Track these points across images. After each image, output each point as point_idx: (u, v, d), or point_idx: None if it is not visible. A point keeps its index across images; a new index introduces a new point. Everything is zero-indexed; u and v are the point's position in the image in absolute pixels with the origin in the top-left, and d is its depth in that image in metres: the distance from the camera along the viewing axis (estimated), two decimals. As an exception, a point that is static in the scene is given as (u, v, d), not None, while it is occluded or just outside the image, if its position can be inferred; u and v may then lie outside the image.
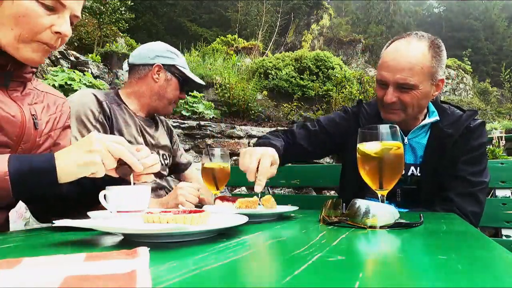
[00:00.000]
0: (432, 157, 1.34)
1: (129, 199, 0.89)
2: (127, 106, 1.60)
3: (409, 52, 1.23)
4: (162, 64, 1.62)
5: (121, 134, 1.51)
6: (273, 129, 4.57)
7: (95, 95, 1.47)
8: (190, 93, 5.41)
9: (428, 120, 1.37)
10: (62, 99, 1.20)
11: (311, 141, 1.50)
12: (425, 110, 1.41)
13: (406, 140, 1.39)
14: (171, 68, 1.63)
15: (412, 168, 1.38)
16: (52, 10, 0.91)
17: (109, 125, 1.47)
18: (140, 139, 1.58)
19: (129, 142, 1.54)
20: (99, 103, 1.46)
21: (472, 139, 1.33)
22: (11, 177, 0.77)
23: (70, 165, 0.82)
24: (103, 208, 0.94)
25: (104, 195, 0.89)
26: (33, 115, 1.02)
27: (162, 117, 1.85)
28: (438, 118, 1.37)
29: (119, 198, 0.88)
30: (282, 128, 4.61)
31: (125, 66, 1.66)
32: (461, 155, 1.32)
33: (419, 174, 1.37)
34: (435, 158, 1.34)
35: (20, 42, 0.90)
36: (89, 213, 0.90)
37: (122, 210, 0.88)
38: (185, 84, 1.67)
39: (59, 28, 0.92)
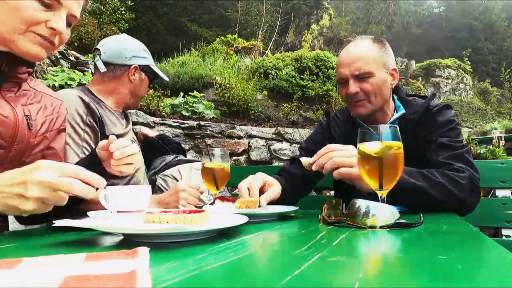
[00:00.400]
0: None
1: (129, 199, 0.89)
2: (105, 103, 1.59)
3: (357, 47, 1.39)
4: (138, 65, 1.62)
5: (109, 133, 1.50)
6: (273, 129, 4.58)
7: (80, 97, 1.44)
8: (190, 93, 5.41)
9: (396, 115, 1.42)
10: (59, 101, 1.19)
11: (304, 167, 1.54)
12: (393, 105, 1.46)
13: None
14: (145, 68, 1.64)
15: None
16: (49, 7, 0.92)
17: (99, 127, 1.46)
18: (124, 135, 1.60)
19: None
20: (86, 104, 1.44)
21: (438, 117, 1.35)
22: None
23: None
24: (101, 208, 0.94)
25: (104, 195, 0.89)
26: (26, 115, 1.01)
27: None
28: (404, 111, 1.42)
29: (119, 198, 0.88)
30: (282, 128, 4.58)
31: (100, 63, 1.64)
32: (431, 134, 1.33)
33: None
34: (404, 147, 1.35)
35: (16, 33, 0.90)
36: (88, 213, 0.90)
37: (122, 210, 0.88)
38: (152, 82, 1.72)
39: (54, 24, 0.92)
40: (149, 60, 1.67)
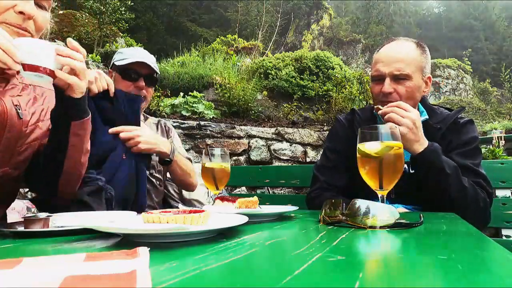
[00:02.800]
0: None
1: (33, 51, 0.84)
2: None
3: (401, 48, 1.38)
4: (110, 68, 1.70)
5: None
6: (273, 129, 4.58)
7: None
8: (190, 93, 5.41)
9: None
10: (50, 91, 1.20)
11: (339, 170, 1.51)
12: (416, 110, 1.44)
13: None
14: (113, 66, 1.68)
15: (405, 166, 1.39)
16: None
17: None
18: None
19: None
20: None
21: (463, 134, 1.37)
22: None
23: None
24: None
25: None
26: (15, 105, 1.03)
27: (162, 120, 1.91)
28: (427, 117, 1.42)
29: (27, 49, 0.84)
30: (282, 128, 4.56)
31: None
32: (455, 148, 1.35)
33: (412, 171, 1.38)
34: None
35: None
36: (52, 216, 0.81)
37: (27, 62, 0.83)
38: (127, 72, 1.64)
39: (22, 7, 0.91)
40: (114, 59, 1.70)
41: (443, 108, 1.50)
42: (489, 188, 1.32)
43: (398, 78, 1.33)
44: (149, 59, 1.68)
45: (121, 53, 1.69)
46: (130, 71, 1.63)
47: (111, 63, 1.71)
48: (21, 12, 0.91)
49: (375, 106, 1.38)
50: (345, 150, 1.50)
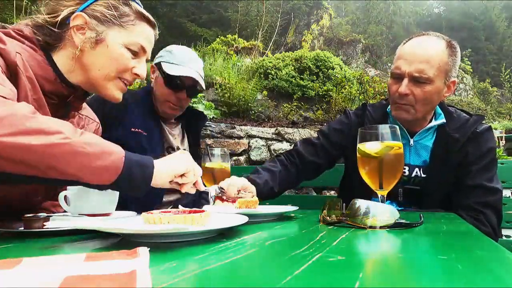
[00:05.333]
0: (438, 160, 1.34)
1: (93, 202, 0.82)
2: (152, 104, 1.62)
3: (428, 46, 1.26)
4: (155, 64, 1.59)
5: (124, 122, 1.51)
6: (273, 129, 4.57)
7: None
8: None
9: (434, 123, 1.37)
10: (96, 123, 1.25)
11: (319, 155, 1.49)
12: (432, 112, 1.41)
13: (411, 142, 1.38)
14: (160, 66, 1.56)
15: (417, 169, 1.38)
16: (136, 55, 1.01)
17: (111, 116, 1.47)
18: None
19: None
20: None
21: (481, 146, 1.32)
22: (125, 160, 0.74)
23: (164, 171, 0.82)
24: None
25: (64, 196, 0.83)
26: None
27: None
28: (444, 120, 1.36)
29: (82, 200, 0.82)
30: (282, 128, 4.55)
31: None
32: (472, 162, 1.31)
33: (423, 175, 1.37)
34: (441, 161, 1.34)
35: (106, 80, 0.98)
36: (52, 217, 0.82)
37: (85, 213, 0.82)
38: (172, 81, 1.53)
39: (139, 71, 1.03)
40: (163, 58, 1.57)
41: (460, 111, 1.43)
42: (498, 205, 1.28)
43: (417, 81, 1.24)
44: (198, 66, 1.59)
45: (170, 54, 1.57)
46: (176, 81, 1.53)
47: (157, 59, 1.60)
48: (136, 74, 1.02)
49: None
50: (339, 142, 1.48)
